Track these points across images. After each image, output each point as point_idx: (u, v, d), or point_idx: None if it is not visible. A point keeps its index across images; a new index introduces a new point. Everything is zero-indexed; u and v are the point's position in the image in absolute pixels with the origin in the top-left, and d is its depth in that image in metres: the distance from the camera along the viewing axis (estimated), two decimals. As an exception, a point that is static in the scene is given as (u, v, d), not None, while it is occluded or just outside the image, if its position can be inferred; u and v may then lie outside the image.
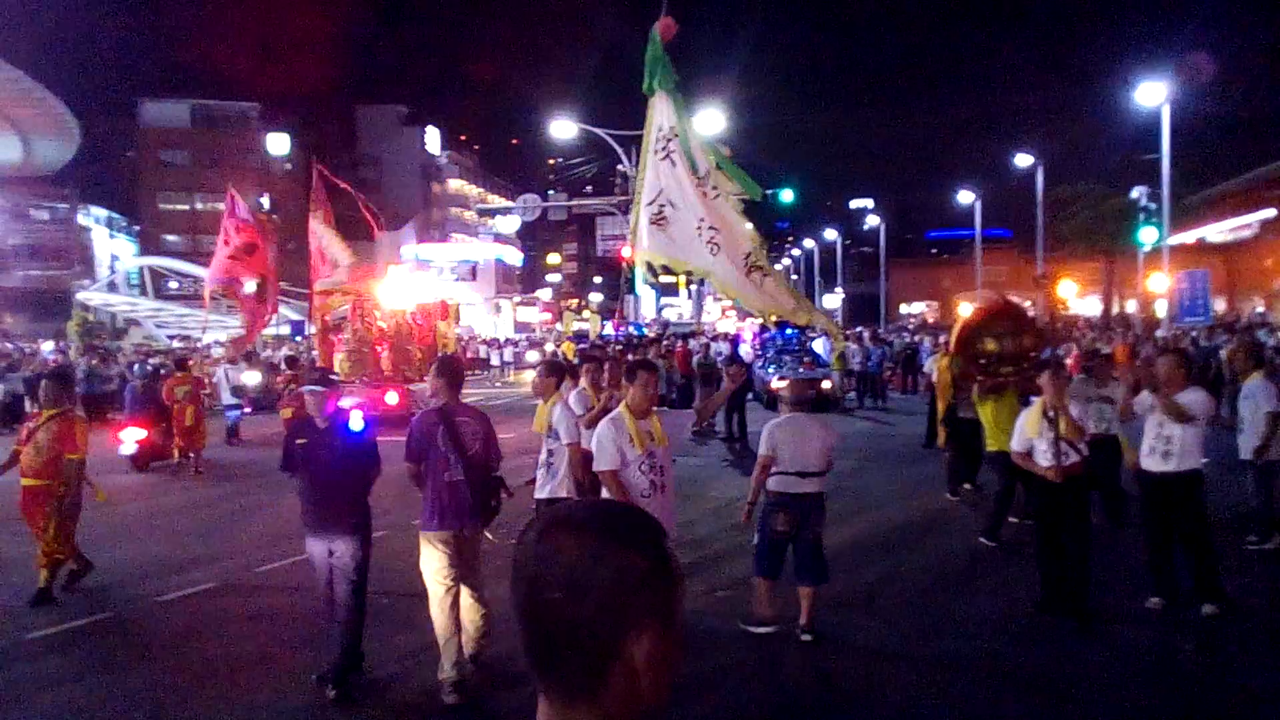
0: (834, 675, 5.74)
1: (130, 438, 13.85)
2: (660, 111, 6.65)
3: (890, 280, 62.72)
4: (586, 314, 57.12)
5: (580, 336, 38.44)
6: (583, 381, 8.09)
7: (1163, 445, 6.50)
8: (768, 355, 24.21)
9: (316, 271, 19.94)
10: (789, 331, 27.99)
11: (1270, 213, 54.23)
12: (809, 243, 71.69)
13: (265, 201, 52.32)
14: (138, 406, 14.58)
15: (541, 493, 6.70)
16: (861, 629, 6.49)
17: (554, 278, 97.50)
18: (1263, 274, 52.74)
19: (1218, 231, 57.22)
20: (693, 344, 23.56)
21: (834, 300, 66.59)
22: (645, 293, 26.99)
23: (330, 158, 73.30)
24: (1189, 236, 43.21)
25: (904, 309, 67.34)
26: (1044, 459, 6.42)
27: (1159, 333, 23.10)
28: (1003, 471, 8.74)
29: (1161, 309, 26.57)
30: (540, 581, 1.16)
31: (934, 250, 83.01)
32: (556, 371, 7.38)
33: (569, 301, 72.73)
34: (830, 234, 67.39)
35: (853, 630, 6.41)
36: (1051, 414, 6.35)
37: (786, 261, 79.25)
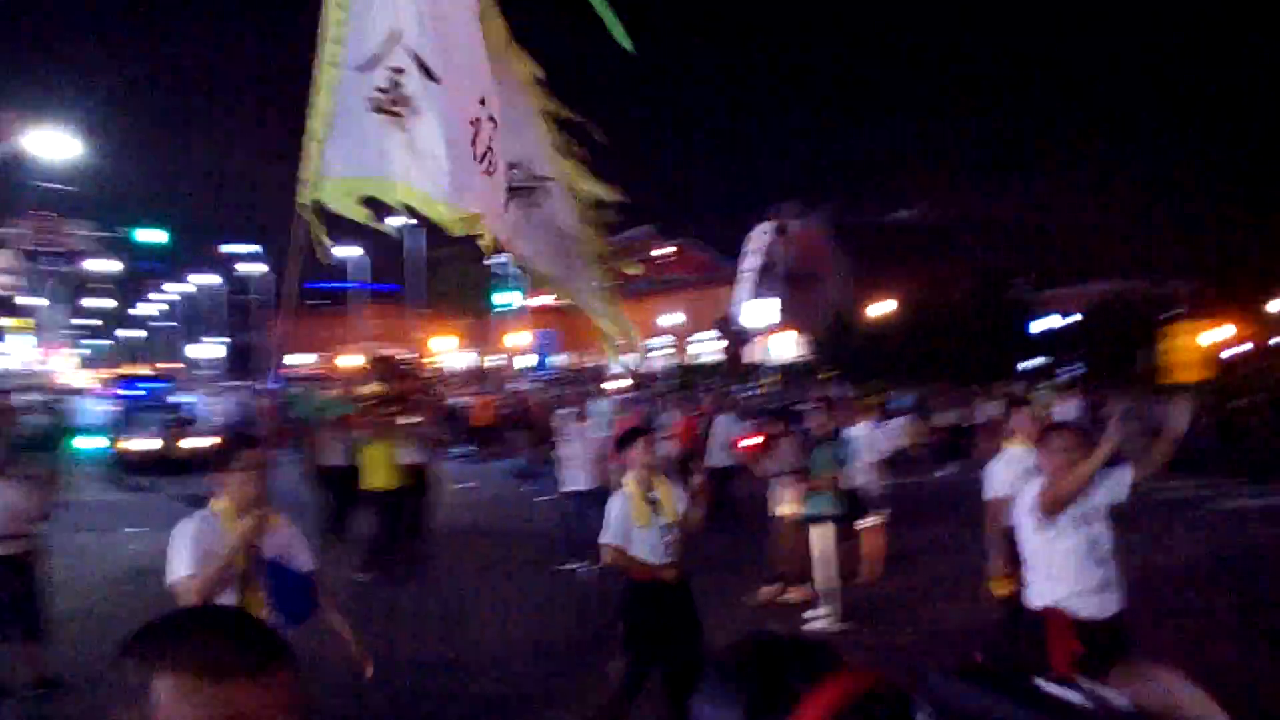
0: None
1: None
2: None
3: (273, 331, 60.77)
4: None
5: None
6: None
7: None
8: (125, 413, 21.62)
9: None
10: (153, 386, 25.42)
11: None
12: (187, 287, 66.25)
13: None
14: None
15: None
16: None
17: None
18: (598, 333, 62.64)
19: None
20: (23, 399, 19.95)
21: (211, 350, 62.34)
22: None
23: None
24: (544, 299, 49.45)
25: (290, 360, 65.65)
26: (652, 554, 4.84)
27: (509, 385, 25.97)
28: (379, 508, 9.68)
29: (525, 362, 29.83)
30: None
31: (321, 301, 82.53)
32: None
33: None
34: (211, 279, 63.15)
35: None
36: (655, 495, 4.95)
37: (157, 307, 72.23)
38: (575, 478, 9.75)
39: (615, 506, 4.92)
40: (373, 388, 9.72)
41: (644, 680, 4.82)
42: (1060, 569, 4.08)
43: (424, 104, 3.32)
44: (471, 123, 3.42)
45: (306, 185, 3.34)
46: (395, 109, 3.33)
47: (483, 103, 3.46)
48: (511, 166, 3.75)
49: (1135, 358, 23.12)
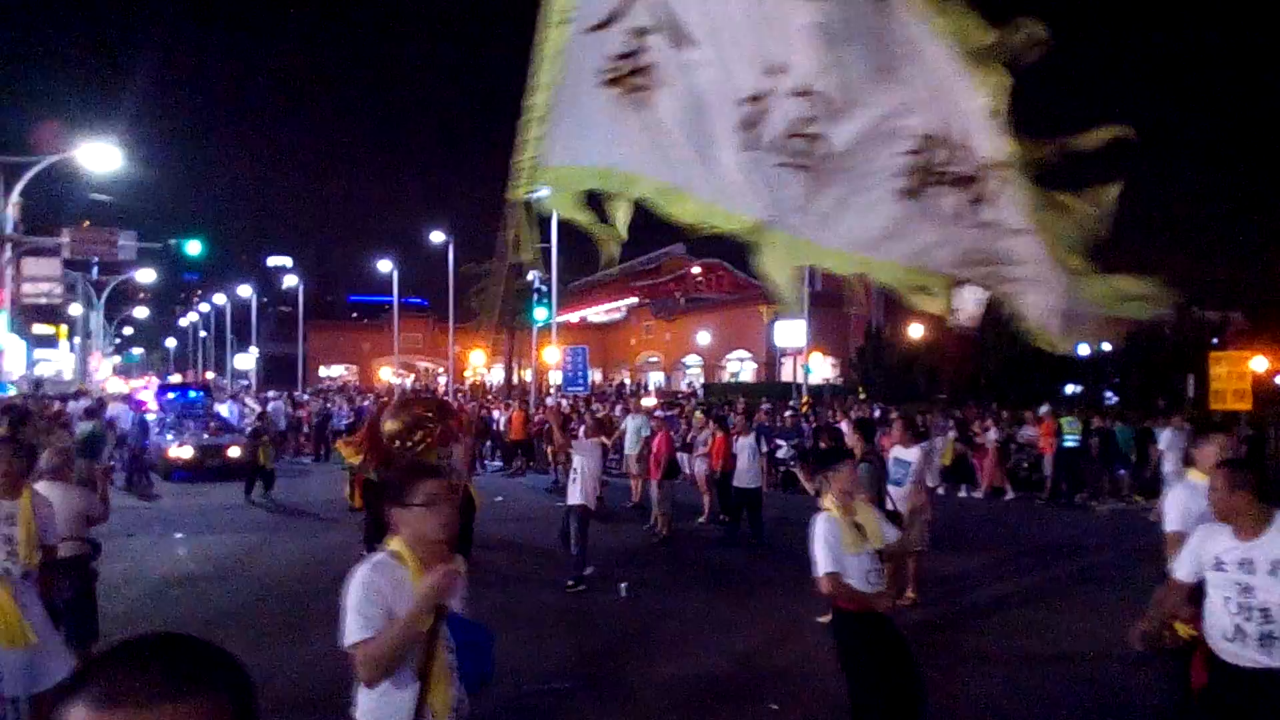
0: None
1: None
2: None
3: (309, 342, 61.54)
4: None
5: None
6: None
7: None
8: (166, 420, 22.00)
9: None
10: (192, 394, 25.80)
11: (634, 300, 64.90)
12: (220, 298, 67.27)
13: None
14: None
15: None
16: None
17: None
18: (629, 350, 62.87)
19: (596, 313, 66.79)
20: (72, 406, 20.32)
21: (248, 360, 63.19)
22: (10, 343, 22.56)
23: None
24: (574, 316, 49.73)
25: (323, 371, 66.48)
26: (862, 582, 4.60)
27: (549, 399, 26.05)
28: None
29: (556, 378, 29.93)
30: None
31: (355, 314, 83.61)
32: None
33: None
34: (245, 290, 64.01)
35: None
36: (859, 520, 4.72)
37: (194, 317, 73.37)
38: (574, 493, 9.83)
39: (824, 532, 4.62)
40: (388, 428, 9.82)
41: (880, 707, 4.60)
42: (1208, 604, 3.95)
43: (673, 74, 2.60)
44: (751, 100, 2.61)
45: (521, 176, 2.64)
46: (635, 80, 2.60)
47: (780, 71, 2.58)
48: (929, 141, 2.67)
49: (1181, 384, 22.69)
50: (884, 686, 4.57)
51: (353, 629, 2.68)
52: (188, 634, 1.11)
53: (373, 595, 2.72)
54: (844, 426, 9.19)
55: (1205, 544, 3.98)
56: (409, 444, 9.73)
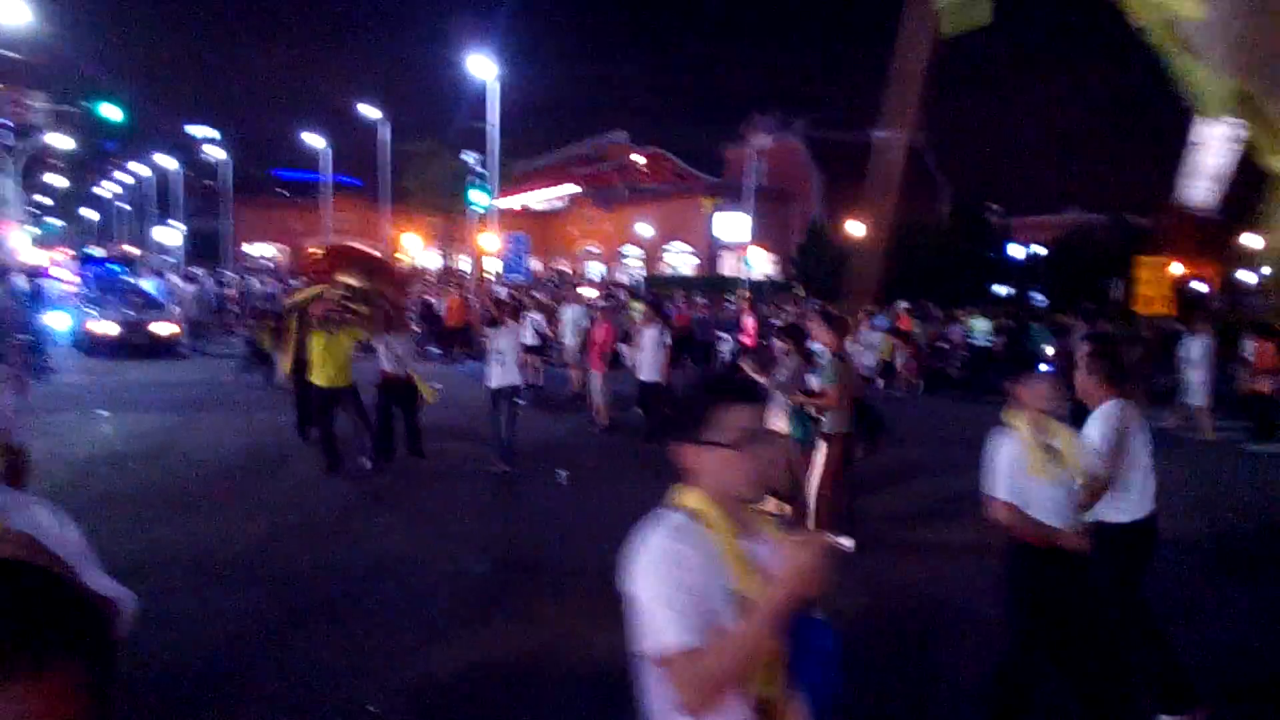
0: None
1: None
2: None
3: (235, 218, 59.42)
4: None
5: None
6: None
7: None
8: (88, 293, 21.26)
9: None
10: (112, 266, 24.88)
11: (576, 188, 63.88)
12: (142, 169, 64.16)
13: None
14: None
15: None
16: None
17: None
18: (569, 239, 62.22)
19: (537, 200, 65.61)
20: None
21: (171, 234, 60.88)
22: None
23: None
24: (514, 202, 48.76)
25: (249, 249, 64.46)
26: (1055, 516, 3.96)
27: (490, 287, 25.76)
28: (321, 403, 9.41)
29: (494, 266, 29.52)
30: None
31: (283, 191, 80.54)
32: None
33: None
34: (168, 161, 61.05)
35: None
36: (1053, 443, 4.04)
37: (114, 187, 70.12)
38: (496, 375, 9.81)
39: (1004, 453, 4.01)
40: (351, 277, 9.42)
41: (1037, 663, 4.01)
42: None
43: None
44: None
45: None
46: None
47: None
48: None
49: (1104, 289, 23.37)
50: (1048, 635, 3.96)
51: (667, 630, 1.77)
52: (40, 568, 0.86)
53: (684, 576, 1.79)
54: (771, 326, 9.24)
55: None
56: (350, 302, 9.35)
